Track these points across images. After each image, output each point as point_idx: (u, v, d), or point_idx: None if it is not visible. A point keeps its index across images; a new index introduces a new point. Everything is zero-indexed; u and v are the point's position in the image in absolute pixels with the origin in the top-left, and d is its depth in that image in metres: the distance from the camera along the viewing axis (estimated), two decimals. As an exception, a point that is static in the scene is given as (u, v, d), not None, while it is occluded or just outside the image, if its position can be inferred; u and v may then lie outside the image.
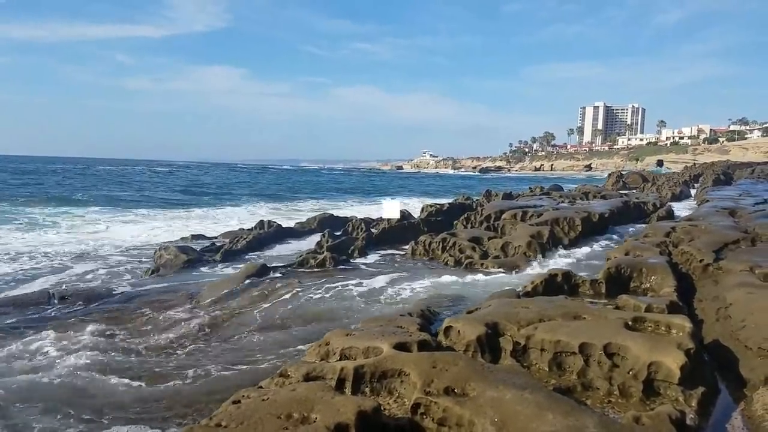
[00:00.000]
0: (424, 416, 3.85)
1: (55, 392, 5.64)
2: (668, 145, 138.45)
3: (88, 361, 6.38)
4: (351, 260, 12.71)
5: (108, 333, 7.58)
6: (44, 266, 13.52)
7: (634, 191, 28.71)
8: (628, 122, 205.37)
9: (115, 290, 10.10)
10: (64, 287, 10.37)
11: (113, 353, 6.75)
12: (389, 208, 16.86)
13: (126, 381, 5.91)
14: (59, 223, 23.24)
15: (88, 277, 12.05)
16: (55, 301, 9.25)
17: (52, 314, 8.62)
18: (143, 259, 14.08)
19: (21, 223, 22.74)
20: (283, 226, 17.84)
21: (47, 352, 6.76)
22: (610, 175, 32.61)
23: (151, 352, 6.86)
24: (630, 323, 5.33)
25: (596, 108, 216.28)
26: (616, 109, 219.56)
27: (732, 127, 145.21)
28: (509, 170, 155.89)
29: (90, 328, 7.67)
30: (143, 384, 5.83)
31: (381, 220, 16.88)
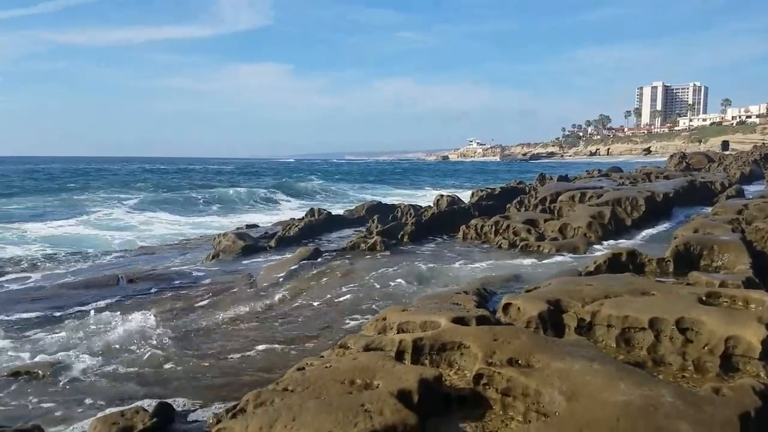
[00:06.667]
0: (487, 386, 3.76)
1: (121, 369, 5.87)
2: (734, 125, 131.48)
3: (155, 338, 6.63)
4: (401, 245, 12.67)
5: (173, 312, 7.89)
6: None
7: (699, 172, 27.37)
8: (690, 102, 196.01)
9: (177, 274, 10.46)
10: (131, 270, 10.84)
11: (178, 330, 7.00)
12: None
13: (192, 356, 6.12)
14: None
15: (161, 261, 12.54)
16: (124, 284, 9.66)
17: (121, 295, 9.03)
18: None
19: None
20: (333, 213, 17.99)
21: (115, 330, 7.03)
22: (672, 155, 31.13)
23: (215, 330, 7.08)
24: (704, 298, 5.07)
25: (654, 88, 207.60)
26: (676, 89, 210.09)
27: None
28: (562, 156, 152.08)
29: (156, 307, 8.00)
30: (208, 358, 6.03)
31: (429, 207, 16.72)
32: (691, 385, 3.99)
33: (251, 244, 13.36)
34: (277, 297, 8.39)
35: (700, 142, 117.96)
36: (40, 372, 5.72)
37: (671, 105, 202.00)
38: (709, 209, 13.24)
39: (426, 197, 28.95)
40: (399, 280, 8.85)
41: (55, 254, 14.42)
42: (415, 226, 13.74)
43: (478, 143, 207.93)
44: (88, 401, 5.11)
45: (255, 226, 18.82)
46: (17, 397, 5.27)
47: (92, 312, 7.82)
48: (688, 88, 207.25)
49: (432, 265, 9.95)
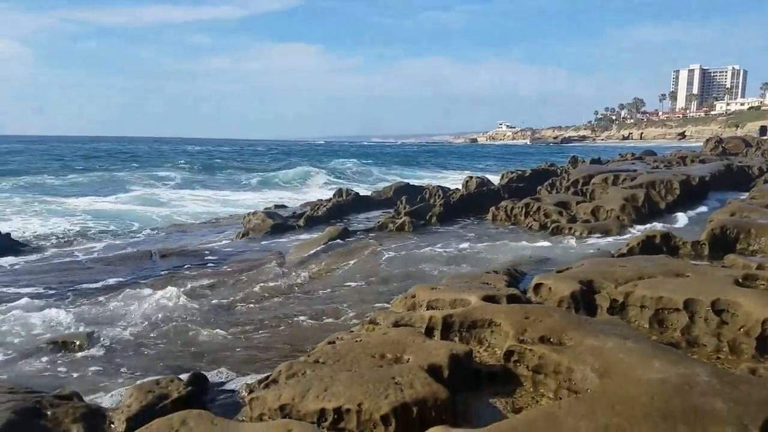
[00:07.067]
0: (518, 363, 3.76)
1: (155, 341, 6.02)
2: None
3: (187, 312, 6.79)
4: (429, 226, 12.66)
5: (205, 287, 8.05)
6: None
7: (736, 157, 26.54)
8: (727, 86, 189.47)
9: (208, 251, 10.67)
10: (164, 247, 11.10)
11: (210, 305, 7.14)
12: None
13: (223, 329, 6.24)
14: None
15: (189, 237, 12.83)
16: (157, 260, 9.90)
17: (154, 271, 9.25)
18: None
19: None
20: (361, 194, 18.02)
21: (149, 304, 7.20)
22: (708, 140, 30.25)
23: (245, 305, 7.21)
24: (740, 280, 4.96)
25: (691, 71, 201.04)
26: (714, 72, 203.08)
27: None
28: (594, 140, 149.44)
29: (187, 282, 8.17)
30: (239, 332, 6.14)
31: (458, 189, 16.63)
32: (726, 366, 3.93)
33: (280, 223, 13.50)
34: (306, 274, 8.52)
35: (737, 126, 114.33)
36: (76, 342, 5.87)
37: (708, 88, 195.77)
38: (746, 194, 12.90)
39: (452, 179, 28.77)
40: (427, 261, 8.86)
41: (93, 229, 14.89)
42: (443, 207, 13.68)
43: (507, 126, 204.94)
44: (123, 371, 5.24)
45: (284, 206, 19.02)
46: (54, 365, 5.42)
47: (126, 286, 8.02)
48: (726, 71, 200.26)
49: (461, 244, 9.94)
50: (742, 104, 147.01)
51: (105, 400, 4.54)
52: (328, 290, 7.69)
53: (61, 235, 13.84)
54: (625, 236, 9.91)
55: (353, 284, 7.93)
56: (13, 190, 24.35)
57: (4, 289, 8.22)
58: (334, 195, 17.49)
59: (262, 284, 8.04)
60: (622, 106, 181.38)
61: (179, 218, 17.67)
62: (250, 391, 3.97)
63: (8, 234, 12.13)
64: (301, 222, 13.91)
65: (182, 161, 48.35)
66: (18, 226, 14.80)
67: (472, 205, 14.37)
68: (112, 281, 8.53)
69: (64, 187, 27.07)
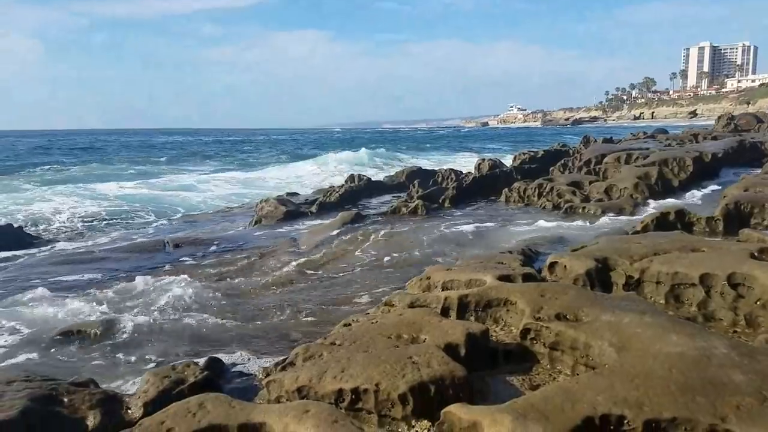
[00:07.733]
0: (535, 341, 3.75)
1: (170, 328, 6.04)
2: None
3: (202, 299, 6.82)
4: (442, 209, 12.67)
5: (219, 274, 8.09)
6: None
7: (748, 133, 26.13)
8: (738, 63, 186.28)
9: (222, 238, 10.71)
10: (177, 236, 11.17)
11: (225, 292, 7.18)
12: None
13: (238, 315, 6.28)
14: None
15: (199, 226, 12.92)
16: (170, 248, 9.96)
17: (168, 259, 9.30)
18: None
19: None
20: (373, 179, 18.00)
21: (163, 292, 7.24)
22: (720, 117, 29.78)
23: (259, 291, 7.24)
24: (756, 254, 4.90)
25: (701, 49, 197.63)
26: (724, 49, 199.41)
27: None
28: (606, 120, 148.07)
29: (202, 270, 8.22)
30: (254, 318, 6.18)
31: (469, 172, 16.59)
32: (743, 339, 3.90)
33: (293, 209, 13.54)
34: (320, 259, 8.54)
35: (748, 104, 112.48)
36: (91, 331, 5.87)
37: (719, 66, 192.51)
38: (759, 170, 12.73)
39: (464, 162, 28.59)
40: (441, 243, 8.85)
41: (109, 220, 15.10)
42: (456, 190, 13.68)
43: (518, 109, 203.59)
44: (139, 358, 5.26)
45: (296, 193, 19.06)
46: (70, 354, 5.45)
47: (140, 275, 8.07)
48: (736, 48, 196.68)
49: (475, 226, 9.92)
50: (753, 81, 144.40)
51: (122, 387, 4.58)
52: (342, 274, 7.71)
53: (76, 226, 14.12)
54: (638, 215, 9.84)
55: (367, 268, 7.94)
56: (45, 182, 24.98)
57: (21, 280, 8.32)
58: (346, 181, 17.47)
59: (275, 270, 8.08)
60: (632, 86, 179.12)
61: (213, 202, 18.04)
62: (267, 374, 3.99)
63: (21, 227, 12.32)
64: (313, 208, 13.95)
65: (207, 151, 48.63)
66: (55, 207, 16.10)
67: (485, 187, 14.36)
68: (125, 271, 8.60)
69: (92, 176, 27.58)
